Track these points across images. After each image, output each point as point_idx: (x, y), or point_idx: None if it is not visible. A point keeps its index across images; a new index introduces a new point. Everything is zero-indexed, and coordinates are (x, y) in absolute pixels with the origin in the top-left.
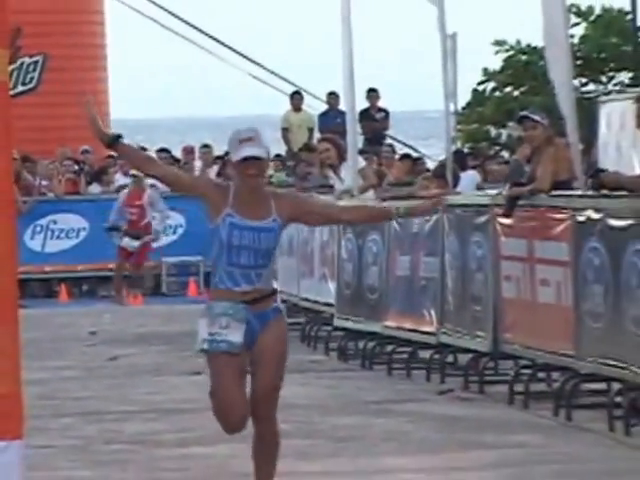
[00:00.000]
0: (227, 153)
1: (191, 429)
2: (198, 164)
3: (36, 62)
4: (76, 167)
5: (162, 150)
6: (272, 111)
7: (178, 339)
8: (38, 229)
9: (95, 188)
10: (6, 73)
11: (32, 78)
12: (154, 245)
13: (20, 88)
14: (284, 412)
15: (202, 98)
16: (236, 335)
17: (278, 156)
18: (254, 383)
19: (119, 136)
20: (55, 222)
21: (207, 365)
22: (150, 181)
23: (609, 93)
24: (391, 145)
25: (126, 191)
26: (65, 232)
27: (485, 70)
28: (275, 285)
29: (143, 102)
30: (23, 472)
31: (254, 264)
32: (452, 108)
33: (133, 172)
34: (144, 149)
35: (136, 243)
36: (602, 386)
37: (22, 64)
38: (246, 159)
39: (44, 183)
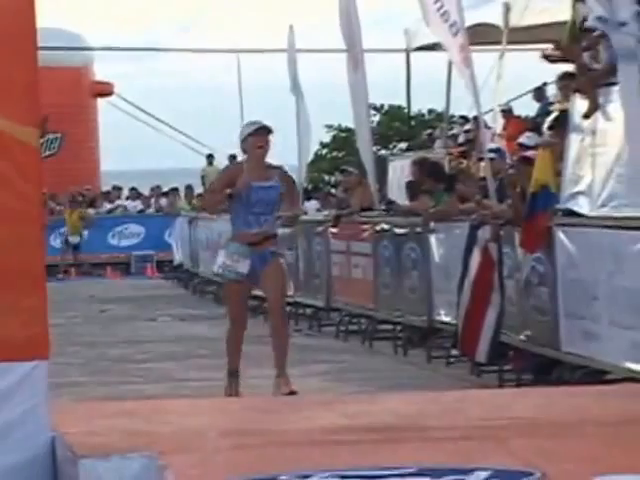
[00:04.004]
0: (175, 189)
1: (148, 352)
2: (154, 197)
3: (56, 137)
4: (80, 198)
5: (132, 189)
6: (195, 166)
7: (141, 300)
8: (59, 235)
9: (91, 211)
10: (38, 143)
11: (54, 147)
12: (126, 243)
13: (47, 153)
14: (208, 344)
15: (152, 157)
16: (243, 267)
17: (199, 195)
18: (268, 298)
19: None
20: None
21: (224, 290)
22: None
23: (394, 155)
24: None
25: None
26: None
27: (321, 142)
28: (276, 230)
29: (119, 159)
30: (47, 380)
31: (263, 212)
32: (303, 164)
33: None
34: (119, 188)
35: None
36: (390, 327)
37: (48, 139)
38: (259, 130)
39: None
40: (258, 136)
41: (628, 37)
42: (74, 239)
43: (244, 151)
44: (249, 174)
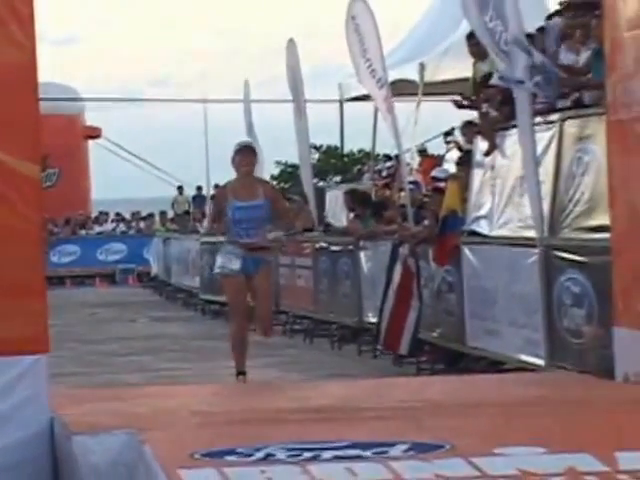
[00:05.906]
0: (152, 214)
1: (131, 348)
2: (134, 220)
3: (54, 172)
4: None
5: (117, 214)
6: (167, 195)
7: (124, 305)
8: (57, 251)
9: (82, 232)
10: (40, 176)
11: (52, 180)
12: (112, 258)
13: (47, 184)
14: (178, 340)
15: (132, 187)
16: (236, 265)
17: (172, 220)
18: (256, 311)
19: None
20: (64, 248)
21: (222, 285)
22: None
23: (330, 186)
24: None
25: None
26: (68, 253)
27: (272, 175)
28: (268, 242)
29: (106, 188)
30: (47, 370)
31: (250, 227)
32: None
33: None
34: (106, 213)
35: None
36: (327, 326)
37: (48, 173)
38: (242, 149)
39: (57, 230)
40: (242, 154)
41: (524, 91)
42: None
43: (235, 169)
44: (236, 192)
